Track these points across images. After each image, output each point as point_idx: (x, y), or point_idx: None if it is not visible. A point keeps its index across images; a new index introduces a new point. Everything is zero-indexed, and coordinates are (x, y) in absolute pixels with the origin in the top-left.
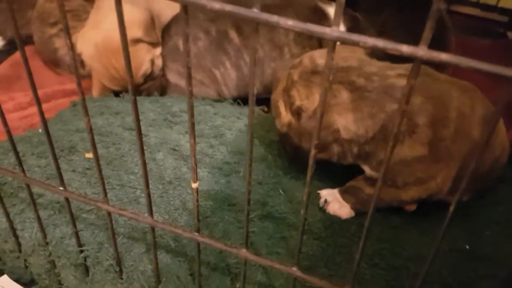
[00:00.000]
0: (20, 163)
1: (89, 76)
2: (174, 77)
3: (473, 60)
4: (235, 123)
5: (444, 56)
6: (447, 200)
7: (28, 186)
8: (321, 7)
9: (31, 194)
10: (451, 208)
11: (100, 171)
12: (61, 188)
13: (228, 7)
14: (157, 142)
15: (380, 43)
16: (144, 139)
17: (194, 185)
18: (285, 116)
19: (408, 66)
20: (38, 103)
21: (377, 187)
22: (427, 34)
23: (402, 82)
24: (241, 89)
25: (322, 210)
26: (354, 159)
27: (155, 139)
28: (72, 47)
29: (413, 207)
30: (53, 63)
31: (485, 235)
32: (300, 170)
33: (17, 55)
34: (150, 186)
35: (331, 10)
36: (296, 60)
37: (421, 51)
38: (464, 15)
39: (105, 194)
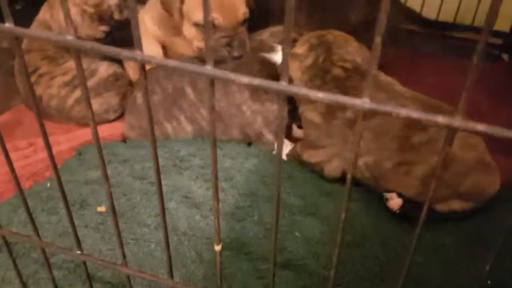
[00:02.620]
0: (35, 227)
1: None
2: (125, 127)
3: (509, 130)
4: (244, 164)
5: (480, 127)
6: None
7: (43, 249)
8: (267, 58)
9: (46, 257)
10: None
11: (119, 234)
12: (78, 252)
13: (185, 65)
14: (168, 190)
15: (414, 114)
16: (154, 187)
17: (217, 248)
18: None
19: None
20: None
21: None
22: (462, 105)
23: None
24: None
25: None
26: None
27: (166, 187)
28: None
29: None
30: (42, 114)
31: (506, 267)
32: (313, 204)
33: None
34: (162, 239)
35: (277, 58)
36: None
37: (457, 122)
38: (458, 39)
39: (124, 256)
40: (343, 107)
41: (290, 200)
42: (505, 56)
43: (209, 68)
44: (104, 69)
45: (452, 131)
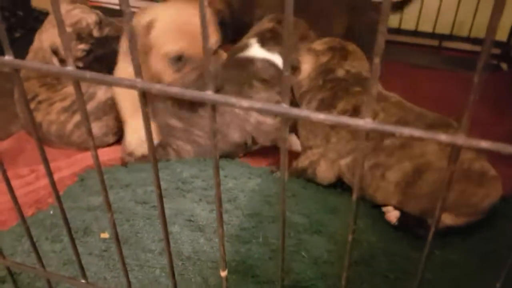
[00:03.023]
0: (39, 257)
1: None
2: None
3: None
4: (247, 183)
5: (484, 144)
6: None
7: (48, 280)
8: (243, 58)
9: (50, 287)
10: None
11: (123, 262)
12: (83, 281)
13: (186, 91)
14: (171, 214)
15: (416, 132)
16: (157, 212)
17: (223, 273)
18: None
19: None
20: (54, 187)
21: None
22: (465, 123)
23: None
24: (201, 156)
25: None
26: None
27: (169, 210)
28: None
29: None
30: (42, 140)
31: None
32: (319, 222)
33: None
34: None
35: (253, 52)
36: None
37: (460, 139)
38: (456, 51)
39: (129, 283)
40: (331, 108)
41: (295, 218)
42: (503, 66)
43: (210, 94)
44: (103, 92)
45: (456, 149)
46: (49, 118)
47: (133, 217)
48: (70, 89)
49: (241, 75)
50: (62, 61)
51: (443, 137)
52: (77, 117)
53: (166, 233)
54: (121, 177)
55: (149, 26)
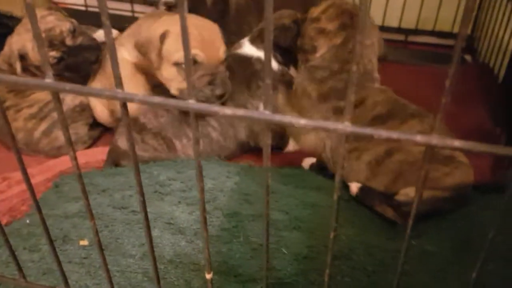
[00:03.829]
0: (20, 268)
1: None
2: (124, 143)
3: (483, 144)
4: (225, 183)
5: (457, 143)
6: None
7: None
8: (239, 54)
9: None
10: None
11: (107, 269)
12: None
13: (168, 101)
14: (151, 218)
15: (394, 134)
16: (136, 216)
17: (208, 276)
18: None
19: None
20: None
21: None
22: (438, 124)
23: None
24: (210, 153)
25: None
26: None
27: (148, 214)
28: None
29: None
30: (10, 147)
31: (490, 268)
32: (298, 218)
33: None
34: (149, 268)
35: (246, 50)
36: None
37: (434, 140)
38: (422, 44)
39: None
40: (341, 99)
41: (274, 215)
42: (468, 58)
43: (192, 102)
44: (70, 99)
45: (430, 149)
46: (15, 125)
47: (112, 222)
48: (38, 95)
49: (245, 75)
50: (26, 69)
51: (418, 138)
52: (44, 125)
53: (150, 238)
54: (98, 182)
55: (162, 38)
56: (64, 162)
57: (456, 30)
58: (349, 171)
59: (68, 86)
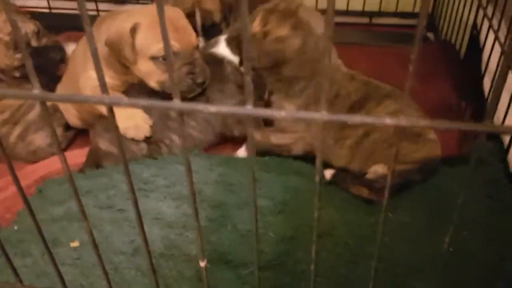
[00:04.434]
0: (16, 273)
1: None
2: (105, 144)
3: (447, 121)
4: (209, 176)
5: (422, 122)
6: None
7: None
8: (213, 54)
9: None
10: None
11: (104, 268)
12: None
13: (154, 103)
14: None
15: (368, 119)
16: (123, 214)
17: (202, 264)
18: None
19: None
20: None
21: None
22: (405, 104)
23: None
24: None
25: None
26: None
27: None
28: None
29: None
30: None
31: (464, 235)
32: (282, 202)
33: None
34: (141, 263)
35: (221, 50)
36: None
37: (403, 121)
38: (385, 26)
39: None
40: (317, 101)
41: (259, 202)
42: (430, 35)
43: (176, 102)
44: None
45: (400, 130)
46: None
47: (100, 222)
48: (7, 101)
49: (217, 73)
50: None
51: (388, 120)
52: (19, 129)
53: (144, 235)
54: (81, 185)
55: (133, 31)
56: (43, 167)
57: (417, 10)
58: (334, 157)
59: (55, 95)
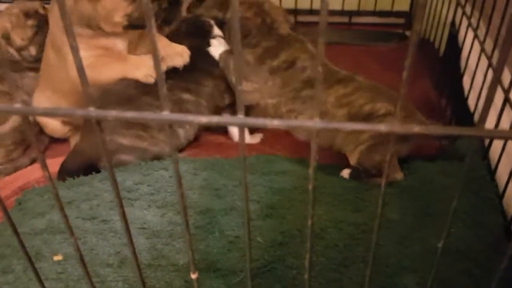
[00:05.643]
0: None
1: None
2: (128, 140)
3: (440, 127)
4: (194, 181)
5: (416, 129)
6: None
7: None
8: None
9: None
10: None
11: (90, 280)
12: None
13: (143, 114)
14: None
15: (358, 126)
16: (108, 225)
17: (194, 276)
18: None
19: None
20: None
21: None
22: (399, 111)
23: None
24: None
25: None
26: None
27: (119, 222)
28: None
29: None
30: None
31: (451, 232)
32: (269, 206)
33: None
34: (128, 275)
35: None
36: None
37: (397, 128)
38: (364, 25)
39: None
40: (273, 57)
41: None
42: (409, 34)
43: (166, 114)
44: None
45: (394, 136)
46: None
47: (84, 234)
48: None
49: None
50: (20, 49)
51: (382, 127)
52: None
53: (133, 246)
54: (62, 195)
55: None
56: (20, 178)
57: (395, 8)
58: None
59: (40, 110)
